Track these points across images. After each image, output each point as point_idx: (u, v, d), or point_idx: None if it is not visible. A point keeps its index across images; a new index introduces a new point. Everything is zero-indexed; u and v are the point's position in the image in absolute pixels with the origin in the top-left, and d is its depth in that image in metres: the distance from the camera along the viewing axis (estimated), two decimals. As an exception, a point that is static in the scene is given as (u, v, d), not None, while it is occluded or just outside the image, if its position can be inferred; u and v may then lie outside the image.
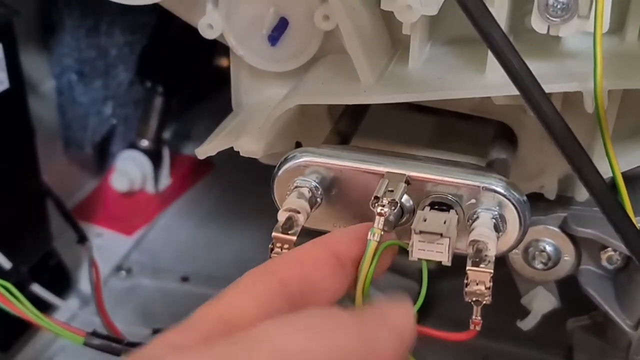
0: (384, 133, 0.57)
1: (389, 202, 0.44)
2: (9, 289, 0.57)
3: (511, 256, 0.56)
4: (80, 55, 0.86)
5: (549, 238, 0.55)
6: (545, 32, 0.45)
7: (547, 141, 0.53)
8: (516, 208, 0.46)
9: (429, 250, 0.43)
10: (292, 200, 0.46)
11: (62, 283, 0.80)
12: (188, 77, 0.96)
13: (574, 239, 0.55)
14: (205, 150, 0.53)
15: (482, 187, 0.46)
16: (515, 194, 0.46)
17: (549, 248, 0.55)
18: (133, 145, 0.94)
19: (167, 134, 0.97)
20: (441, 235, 0.43)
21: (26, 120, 0.71)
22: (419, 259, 0.44)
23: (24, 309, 0.57)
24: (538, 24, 0.45)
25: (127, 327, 0.73)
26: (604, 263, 0.54)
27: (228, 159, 0.57)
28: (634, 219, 0.44)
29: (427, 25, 0.50)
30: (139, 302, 0.84)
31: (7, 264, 0.65)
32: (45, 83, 0.86)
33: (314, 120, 0.57)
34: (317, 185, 0.47)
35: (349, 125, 0.56)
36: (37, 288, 0.69)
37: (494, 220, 0.45)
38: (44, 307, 0.73)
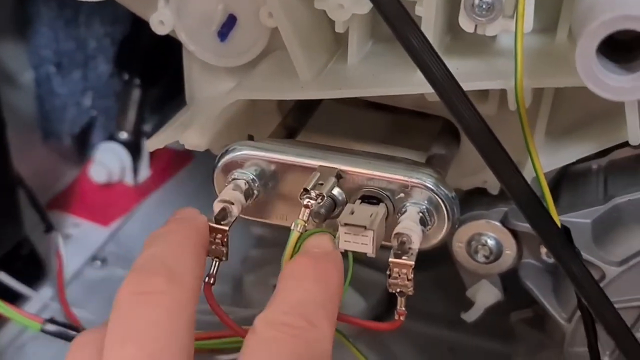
0: (333, 128, 0.58)
1: (316, 194, 0.46)
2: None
3: (455, 249, 0.57)
4: (59, 46, 0.87)
5: (490, 232, 0.56)
6: (472, 31, 0.46)
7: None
8: (443, 203, 0.47)
9: (355, 242, 0.45)
10: (227, 192, 0.48)
11: (35, 273, 0.81)
12: (166, 69, 0.97)
13: (515, 233, 0.56)
14: (154, 143, 0.55)
15: (411, 182, 0.47)
16: (443, 189, 0.47)
17: (490, 242, 0.56)
18: (112, 137, 0.96)
19: (147, 126, 0.98)
20: (365, 227, 0.44)
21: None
22: (345, 250, 0.45)
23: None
24: (465, 23, 0.46)
25: (100, 317, 0.75)
26: (544, 257, 0.56)
27: (207, 151, 0.59)
28: (556, 218, 0.45)
29: (365, 23, 0.51)
30: (113, 292, 0.85)
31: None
32: (24, 74, 0.87)
33: (265, 114, 0.58)
34: (255, 178, 0.49)
35: (297, 119, 0.57)
36: (4, 277, 0.70)
37: (420, 214, 0.47)
38: (14, 297, 0.75)
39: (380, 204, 0.47)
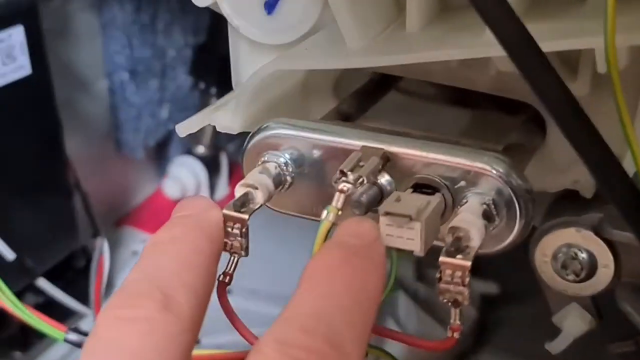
0: (398, 121, 0.50)
1: (355, 178, 0.37)
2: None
3: (538, 264, 0.47)
4: (133, 53, 0.83)
5: (582, 243, 0.46)
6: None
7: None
8: (515, 195, 0.38)
9: (399, 236, 0.36)
10: (253, 175, 0.40)
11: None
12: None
13: (612, 245, 0.45)
14: (185, 126, 0.48)
15: (474, 168, 0.38)
16: (515, 178, 0.38)
17: (582, 255, 0.46)
18: (189, 152, 0.90)
19: (225, 140, 0.92)
20: (410, 218, 0.36)
21: (51, 110, 0.68)
22: (387, 246, 0.36)
23: (1, 296, 0.52)
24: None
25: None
26: (649, 276, 0.45)
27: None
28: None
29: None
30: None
31: (10, 255, 0.61)
32: (98, 82, 0.83)
33: (318, 98, 0.50)
34: (289, 161, 0.41)
35: (354, 106, 0.49)
36: (55, 291, 0.65)
37: (484, 207, 0.38)
38: (66, 314, 0.69)
39: (436, 193, 0.39)
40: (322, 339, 0.30)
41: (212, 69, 0.87)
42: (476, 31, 0.39)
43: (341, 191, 0.37)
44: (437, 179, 0.39)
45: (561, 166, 0.46)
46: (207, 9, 0.50)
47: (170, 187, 0.89)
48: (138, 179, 0.91)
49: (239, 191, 0.40)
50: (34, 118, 0.67)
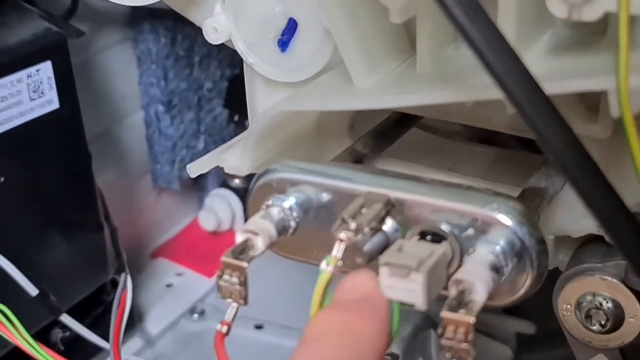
0: (417, 160, 0.48)
1: (356, 226, 0.36)
2: (4, 313, 0.53)
3: (562, 313, 0.45)
4: (168, 85, 0.83)
5: (607, 292, 0.43)
6: (565, 16, 0.35)
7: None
8: (525, 244, 0.36)
9: (400, 288, 0.34)
10: (254, 220, 0.39)
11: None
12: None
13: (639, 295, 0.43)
14: (196, 167, 0.47)
15: (483, 215, 0.36)
16: (526, 226, 0.36)
17: (607, 305, 0.44)
18: (224, 184, 0.89)
19: (261, 172, 0.91)
20: (411, 269, 0.34)
21: (80, 143, 0.68)
22: (388, 298, 0.35)
23: (16, 335, 0.52)
24: (555, 5, 0.35)
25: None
26: (680, 328, 0.42)
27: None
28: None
29: (436, 17, 0.41)
30: (206, 347, 0.77)
31: (33, 290, 0.60)
32: (134, 114, 0.83)
33: (333, 137, 0.49)
34: (294, 206, 0.40)
35: (369, 146, 0.47)
36: (80, 328, 0.64)
37: (492, 257, 0.35)
38: (93, 351, 0.68)
39: (443, 242, 0.37)
40: None
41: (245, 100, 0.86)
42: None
43: (341, 240, 0.36)
44: (443, 227, 0.37)
45: (585, 211, 0.44)
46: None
47: (206, 219, 0.88)
48: (173, 211, 0.90)
49: (239, 237, 0.38)
50: (62, 152, 0.67)
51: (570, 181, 0.32)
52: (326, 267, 0.35)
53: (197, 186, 0.92)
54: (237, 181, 0.89)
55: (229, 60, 0.87)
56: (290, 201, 0.40)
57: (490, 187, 0.42)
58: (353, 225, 0.36)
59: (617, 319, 0.43)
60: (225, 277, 0.37)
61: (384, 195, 0.37)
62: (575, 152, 0.32)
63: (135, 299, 0.78)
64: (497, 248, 0.36)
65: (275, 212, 0.39)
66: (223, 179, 0.89)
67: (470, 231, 0.36)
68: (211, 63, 0.86)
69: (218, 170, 0.90)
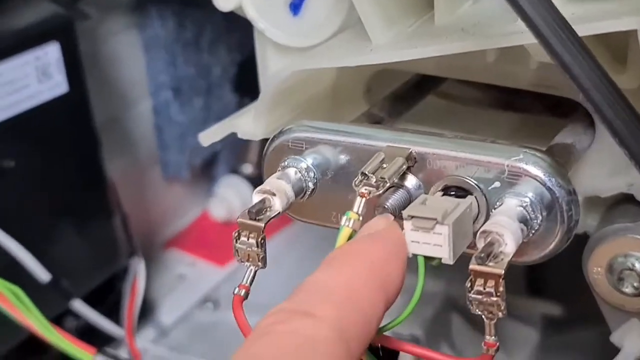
0: (435, 125, 0.47)
1: (377, 180, 0.34)
2: (17, 295, 0.51)
3: (592, 277, 0.43)
4: (177, 71, 0.81)
5: (640, 252, 0.42)
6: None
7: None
8: (555, 196, 0.34)
9: (425, 242, 0.33)
10: (271, 180, 0.37)
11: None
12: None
13: (674, 254, 0.41)
14: (208, 135, 0.46)
15: (510, 166, 0.35)
16: (555, 178, 0.34)
17: (640, 266, 0.42)
18: (235, 171, 0.88)
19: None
20: (436, 221, 0.32)
21: (90, 128, 0.67)
22: (413, 254, 0.33)
23: (30, 317, 0.51)
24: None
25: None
26: None
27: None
28: None
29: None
30: (221, 338, 0.76)
31: (46, 276, 0.59)
32: (142, 101, 0.82)
33: (349, 102, 0.47)
34: (311, 166, 0.38)
35: (386, 110, 0.46)
36: (96, 316, 0.62)
37: (521, 209, 0.34)
38: (107, 339, 0.67)
39: (468, 196, 0.35)
40: (298, 304, 0.29)
41: (257, 85, 0.84)
42: (508, 19, 0.36)
43: (362, 195, 0.34)
44: (468, 180, 0.35)
45: (615, 168, 0.42)
46: (251, 25, 0.48)
47: (217, 208, 0.87)
48: (184, 200, 0.89)
49: (255, 198, 0.37)
50: (71, 137, 0.66)
51: (610, 129, 0.31)
52: (347, 222, 0.34)
53: (208, 174, 0.90)
54: (248, 168, 0.87)
55: (238, 44, 0.85)
56: (307, 162, 0.38)
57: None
58: (374, 179, 0.34)
59: (650, 280, 0.42)
60: (242, 239, 0.36)
61: (405, 149, 0.36)
62: (615, 98, 0.31)
63: (148, 289, 0.77)
64: (526, 200, 0.34)
65: (292, 172, 0.38)
66: (233, 167, 0.88)
67: (497, 184, 0.35)
68: (220, 48, 0.84)
69: (228, 157, 0.89)
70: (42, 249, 0.61)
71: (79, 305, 0.62)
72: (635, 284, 0.42)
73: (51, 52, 0.63)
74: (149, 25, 0.80)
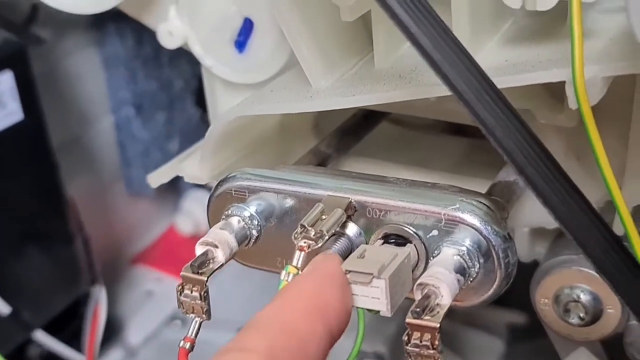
0: (386, 156, 0.47)
1: (315, 233, 0.35)
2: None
3: (540, 307, 0.44)
4: (137, 87, 0.81)
5: (585, 284, 0.42)
6: (519, 5, 0.34)
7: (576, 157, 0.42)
8: (491, 244, 0.34)
9: (363, 295, 0.33)
10: (214, 232, 0.38)
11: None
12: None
13: (617, 286, 0.41)
14: (155, 178, 0.46)
15: (445, 215, 0.35)
16: (490, 224, 0.35)
17: (585, 297, 0.42)
18: (201, 185, 0.88)
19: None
20: (372, 276, 0.33)
21: (46, 153, 0.66)
22: (353, 306, 0.34)
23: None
24: (510, -4, 0.33)
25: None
26: (658, 318, 0.41)
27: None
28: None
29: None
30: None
31: (6, 309, 0.59)
32: (103, 119, 0.82)
33: (298, 138, 0.47)
34: (254, 214, 0.38)
35: (334, 145, 0.46)
36: (56, 344, 0.62)
37: (458, 258, 0.34)
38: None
39: (407, 244, 0.36)
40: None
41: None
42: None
43: (301, 249, 0.34)
44: (407, 229, 0.36)
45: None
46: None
47: (183, 223, 0.87)
48: (150, 215, 0.89)
49: (198, 250, 0.37)
50: (28, 163, 0.66)
51: (520, 175, 0.31)
52: (286, 276, 0.34)
53: (173, 189, 0.90)
54: (214, 182, 0.87)
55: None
56: (250, 210, 0.38)
57: (460, 182, 0.41)
58: (313, 232, 0.34)
59: (596, 311, 0.42)
60: (186, 292, 0.36)
61: (345, 198, 0.36)
62: (527, 149, 0.31)
63: (115, 308, 0.77)
64: (463, 249, 0.34)
65: (235, 222, 0.38)
66: (200, 181, 0.88)
67: (435, 232, 0.35)
68: (181, 61, 0.84)
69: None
70: (1, 279, 0.61)
71: (40, 335, 0.61)
72: (581, 315, 0.43)
73: (4, 81, 0.62)
74: (107, 42, 0.79)
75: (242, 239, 0.38)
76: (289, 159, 0.46)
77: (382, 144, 0.49)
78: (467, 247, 0.34)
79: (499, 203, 0.38)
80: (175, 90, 0.85)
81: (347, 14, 0.36)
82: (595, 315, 0.42)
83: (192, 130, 0.87)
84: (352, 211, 0.36)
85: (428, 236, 0.35)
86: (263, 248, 0.39)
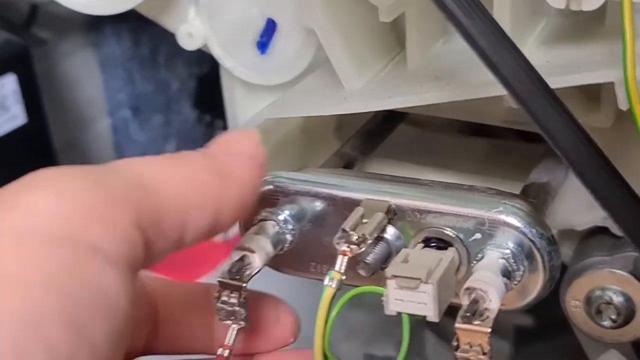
0: (409, 158, 0.47)
1: (358, 237, 0.34)
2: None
3: (570, 310, 0.43)
4: (135, 89, 0.80)
5: (617, 286, 0.42)
6: (563, 6, 0.33)
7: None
8: (536, 246, 0.34)
9: (409, 300, 0.33)
10: (249, 237, 0.37)
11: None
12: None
13: (651, 287, 0.41)
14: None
15: (489, 218, 0.34)
16: (534, 227, 0.34)
17: (617, 299, 0.42)
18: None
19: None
20: (420, 281, 0.32)
21: (49, 158, 0.65)
22: (397, 312, 0.33)
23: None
24: (553, -4, 0.33)
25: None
26: (692, 319, 0.41)
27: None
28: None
29: (426, 11, 0.39)
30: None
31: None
32: (100, 120, 0.81)
33: (320, 141, 0.47)
34: (288, 218, 0.38)
35: (358, 147, 0.45)
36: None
37: (503, 262, 0.34)
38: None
39: (449, 248, 0.35)
40: None
41: (217, 100, 0.83)
42: (480, 67, 0.35)
43: (343, 253, 0.34)
44: (449, 232, 0.35)
45: (590, 202, 0.42)
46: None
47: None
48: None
49: (234, 256, 0.36)
50: (31, 168, 0.64)
51: (580, 178, 0.31)
52: (330, 282, 0.33)
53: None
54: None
55: (196, 58, 0.84)
56: (284, 214, 0.38)
57: (487, 184, 0.41)
58: (355, 237, 0.34)
59: (628, 312, 0.42)
60: (224, 298, 0.35)
61: (385, 202, 0.35)
62: (585, 149, 0.31)
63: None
64: (507, 252, 0.34)
65: (269, 226, 0.37)
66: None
67: (478, 235, 0.35)
68: (178, 62, 0.83)
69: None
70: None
71: None
72: (612, 317, 0.42)
73: (7, 84, 0.61)
74: (104, 43, 0.78)
75: (277, 243, 0.37)
76: (312, 162, 0.46)
77: (403, 147, 0.49)
78: (511, 250, 0.34)
79: (537, 205, 0.37)
80: (172, 91, 0.84)
81: (386, 15, 0.36)
82: (627, 317, 0.42)
83: (189, 131, 0.86)
84: (392, 214, 0.36)
85: (470, 240, 0.35)
86: (297, 253, 0.38)
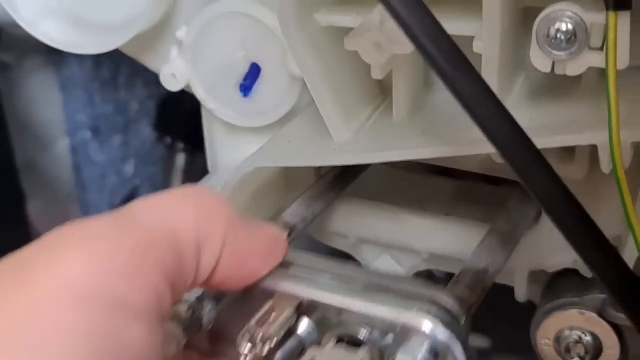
0: (382, 197, 0.48)
1: (262, 337, 0.33)
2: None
3: (541, 348, 0.45)
4: (94, 110, 0.80)
5: (585, 326, 0.44)
6: (549, 70, 0.35)
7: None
8: (449, 350, 0.32)
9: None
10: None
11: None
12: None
13: (617, 328, 0.44)
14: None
15: (401, 321, 0.33)
16: (448, 333, 0.32)
17: (586, 338, 0.44)
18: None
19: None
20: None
21: (12, 177, 0.65)
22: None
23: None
24: (539, 60, 0.35)
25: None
26: (659, 358, 0.43)
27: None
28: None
29: (412, 66, 0.40)
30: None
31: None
32: (60, 142, 0.80)
33: (300, 185, 0.48)
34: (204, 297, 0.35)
35: (333, 186, 0.46)
36: None
37: (415, 367, 0.32)
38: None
39: (360, 350, 0.33)
40: None
41: (178, 122, 0.84)
42: (467, 124, 0.37)
43: (245, 356, 0.32)
44: (361, 332, 0.33)
45: (560, 245, 0.44)
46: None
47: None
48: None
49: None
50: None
51: (557, 224, 0.33)
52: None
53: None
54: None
55: (155, 78, 0.84)
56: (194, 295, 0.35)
57: (456, 225, 0.42)
58: (260, 335, 0.32)
59: (596, 351, 0.44)
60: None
61: (296, 297, 0.34)
62: (563, 200, 0.33)
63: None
64: (421, 357, 0.32)
65: (182, 310, 0.35)
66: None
67: (390, 337, 0.33)
68: (137, 83, 0.83)
69: (149, 194, 0.88)
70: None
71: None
72: (581, 355, 0.44)
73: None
74: (65, 64, 0.78)
75: (190, 328, 0.35)
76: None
77: (376, 185, 0.50)
78: (423, 356, 0.32)
79: (463, 299, 0.35)
80: (131, 112, 0.84)
81: (379, 72, 0.37)
82: (595, 355, 0.44)
83: (147, 152, 0.86)
84: (303, 311, 0.34)
85: (384, 341, 0.33)
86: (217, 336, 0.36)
